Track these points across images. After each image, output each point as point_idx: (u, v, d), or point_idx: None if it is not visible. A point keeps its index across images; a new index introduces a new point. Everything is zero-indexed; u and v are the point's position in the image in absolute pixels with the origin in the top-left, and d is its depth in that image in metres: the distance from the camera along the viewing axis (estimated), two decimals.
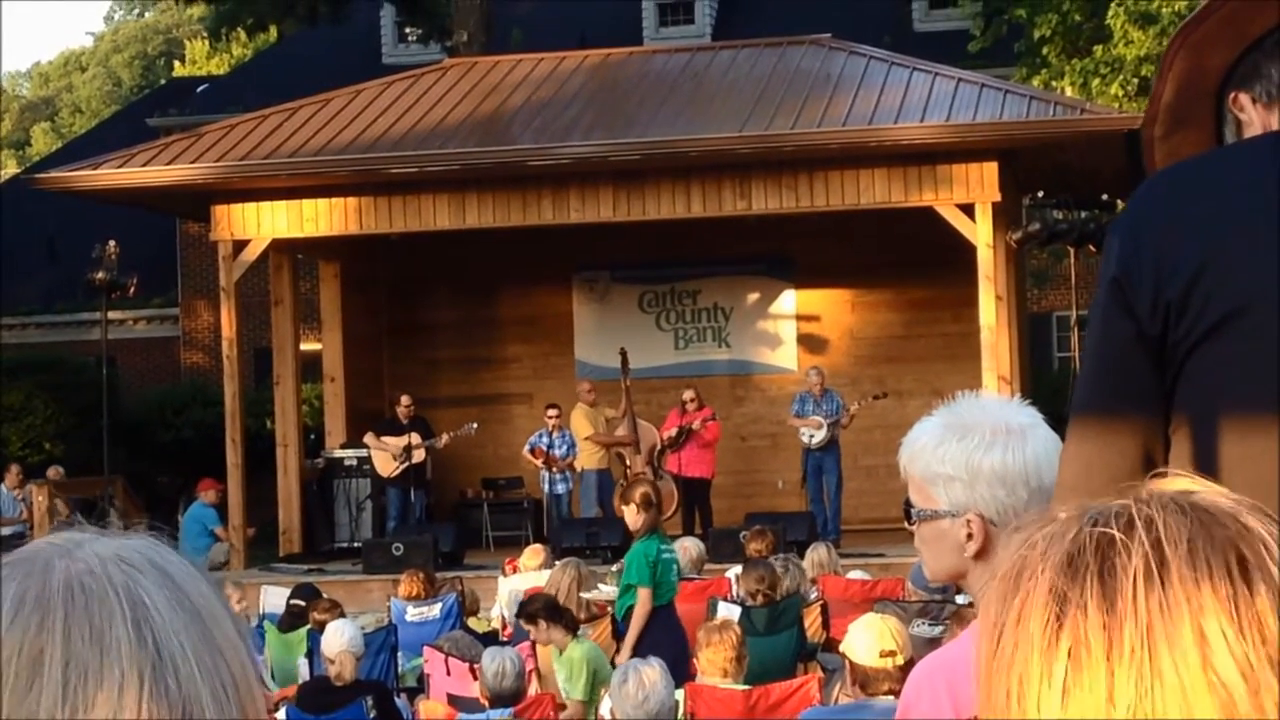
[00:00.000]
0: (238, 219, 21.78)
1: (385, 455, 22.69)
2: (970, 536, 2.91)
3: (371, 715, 10.10)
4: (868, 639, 7.12)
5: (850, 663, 7.26)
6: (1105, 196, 20.36)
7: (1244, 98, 2.74)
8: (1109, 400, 2.59)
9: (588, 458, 22.40)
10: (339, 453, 23.67)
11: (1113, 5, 24.43)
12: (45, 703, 1.15)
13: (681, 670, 9.34)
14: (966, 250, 20.52)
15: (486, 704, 9.67)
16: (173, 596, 1.20)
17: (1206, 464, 2.47)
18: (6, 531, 24.21)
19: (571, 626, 11.94)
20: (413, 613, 14.39)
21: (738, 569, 13.85)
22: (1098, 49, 25.63)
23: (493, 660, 9.89)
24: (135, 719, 1.15)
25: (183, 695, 1.17)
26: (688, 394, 22.46)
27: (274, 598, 15.94)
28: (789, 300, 25.23)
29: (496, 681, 9.65)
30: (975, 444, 2.92)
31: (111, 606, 1.19)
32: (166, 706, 1.16)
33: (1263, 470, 2.44)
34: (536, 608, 11.94)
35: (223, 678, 1.19)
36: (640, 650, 10.40)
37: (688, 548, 14.95)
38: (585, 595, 13.10)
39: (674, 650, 9.90)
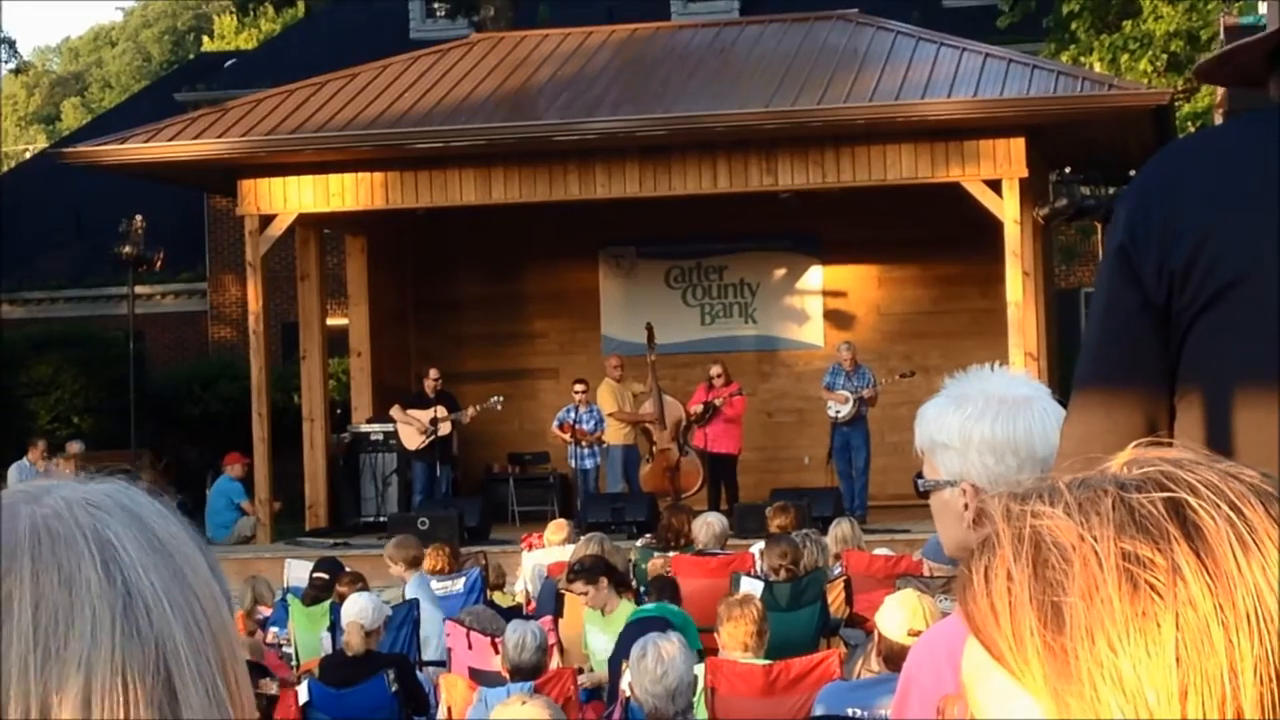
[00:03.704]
0: (264, 194, 21.80)
1: (412, 429, 22.71)
2: (966, 506, 2.92)
3: (393, 689, 10.11)
4: (900, 615, 7.18)
5: (880, 634, 7.32)
6: (1133, 172, 20.26)
7: None
8: (1113, 369, 2.59)
9: (613, 433, 22.41)
10: (365, 427, 23.70)
11: None
12: (17, 646, 1.15)
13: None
14: (994, 226, 20.47)
15: (508, 676, 9.68)
16: (141, 536, 1.21)
17: (1211, 431, 2.46)
18: None
19: (625, 585, 11.98)
20: (436, 587, 14.40)
21: (761, 544, 13.85)
22: (1127, 24, 25.55)
23: (514, 632, 9.90)
24: (109, 657, 1.16)
25: (155, 632, 1.17)
26: (715, 369, 22.43)
27: (298, 571, 15.95)
28: (815, 276, 25.19)
29: (517, 653, 9.65)
30: (969, 413, 2.95)
31: (79, 548, 1.19)
32: (139, 643, 1.17)
33: (1266, 436, 2.43)
34: (594, 566, 11.96)
35: (194, 614, 1.20)
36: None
37: (711, 523, 14.94)
38: None
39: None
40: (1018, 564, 1.25)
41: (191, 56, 64.42)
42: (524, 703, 6.75)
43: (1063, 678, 1.22)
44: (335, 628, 11.88)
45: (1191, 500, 1.23)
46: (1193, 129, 23.79)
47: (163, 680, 1.17)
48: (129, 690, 1.15)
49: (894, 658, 7.12)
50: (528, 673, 9.56)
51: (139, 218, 23.28)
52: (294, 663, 12.64)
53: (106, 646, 1.16)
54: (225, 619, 1.23)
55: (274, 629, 13.54)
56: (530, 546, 16.22)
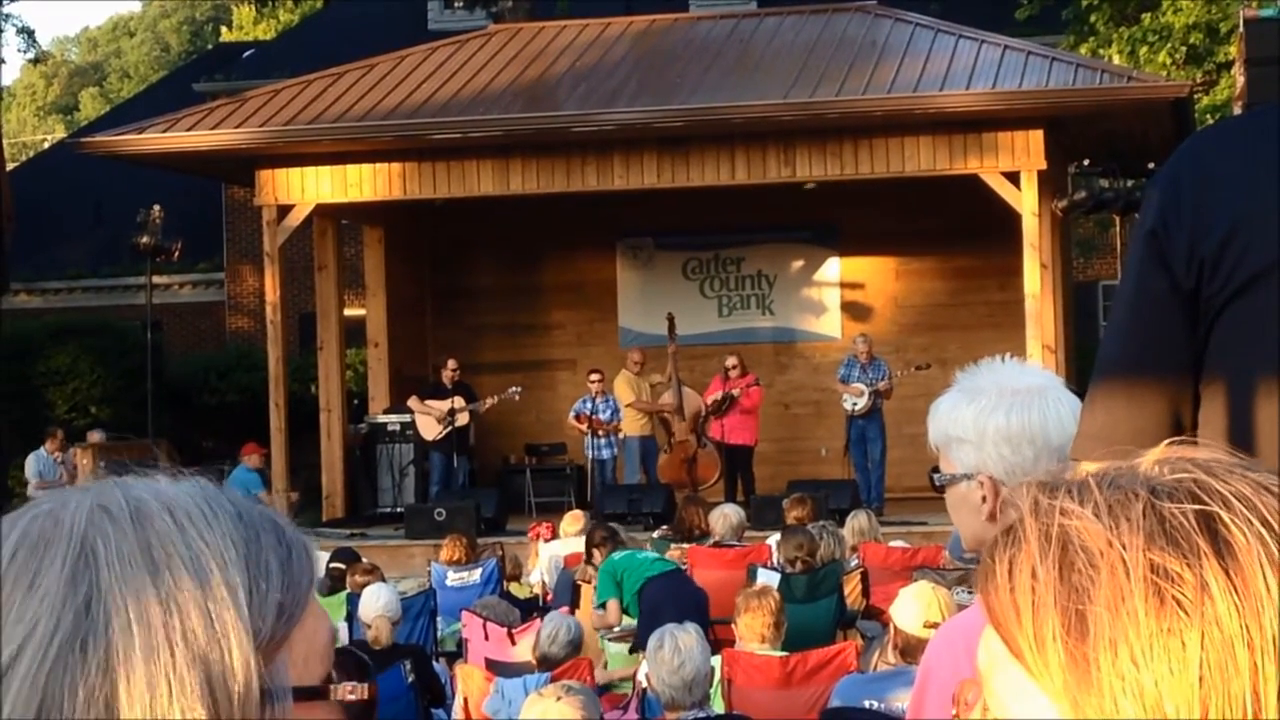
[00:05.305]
0: (282, 184, 21.81)
1: (429, 419, 22.72)
2: (984, 499, 2.92)
3: (409, 679, 10.12)
4: (915, 607, 7.18)
5: (895, 627, 7.32)
6: (1152, 165, 20.25)
7: None
8: (1139, 354, 2.57)
9: (631, 424, 22.41)
10: (382, 418, 23.69)
11: None
12: None
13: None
14: (1012, 218, 20.43)
15: (536, 665, 9.73)
16: (134, 547, 1.25)
17: (1236, 421, 2.44)
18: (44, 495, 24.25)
19: None
20: (453, 577, 14.42)
21: (778, 536, 13.84)
22: (1146, 17, 25.49)
23: (550, 623, 9.96)
24: (38, 662, 1.21)
25: (108, 643, 1.21)
26: (730, 360, 22.43)
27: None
28: (833, 268, 25.17)
29: (547, 644, 9.71)
30: (983, 406, 2.95)
31: (55, 554, 1.24)
32: (79, 652, 1.21)
33: None
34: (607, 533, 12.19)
35: (167, 629, 1.23)
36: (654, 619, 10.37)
37: (728, 514, 14.94)
38: None
39: (681, 612, 9.89)
40: (1043, 564, 1.23)
41: (210, 47, 64.45)
42: (559, 699, 6.70)
43: (1083, 687, 1.20)
44: (352, 618, 11.89)
45: (1224, 514, 1.21)
46: (1211, 121, 23.72)
47: (108, 686, 1.21)
48: (57, 693, 1.20)
49: (910, 650, 7.12)
50: (553, 664, 9.59)
51: (157, 208, 23.29)
52: None
53: (37, 649, 1.21)
54: (229, 640, 1.24)
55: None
56: (538, 536, 16.20)
